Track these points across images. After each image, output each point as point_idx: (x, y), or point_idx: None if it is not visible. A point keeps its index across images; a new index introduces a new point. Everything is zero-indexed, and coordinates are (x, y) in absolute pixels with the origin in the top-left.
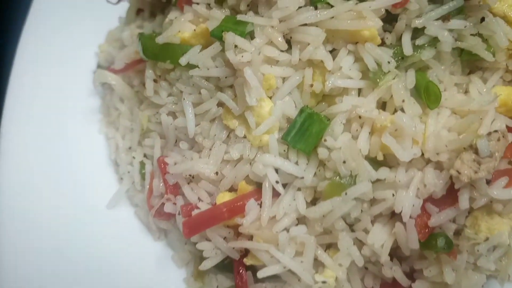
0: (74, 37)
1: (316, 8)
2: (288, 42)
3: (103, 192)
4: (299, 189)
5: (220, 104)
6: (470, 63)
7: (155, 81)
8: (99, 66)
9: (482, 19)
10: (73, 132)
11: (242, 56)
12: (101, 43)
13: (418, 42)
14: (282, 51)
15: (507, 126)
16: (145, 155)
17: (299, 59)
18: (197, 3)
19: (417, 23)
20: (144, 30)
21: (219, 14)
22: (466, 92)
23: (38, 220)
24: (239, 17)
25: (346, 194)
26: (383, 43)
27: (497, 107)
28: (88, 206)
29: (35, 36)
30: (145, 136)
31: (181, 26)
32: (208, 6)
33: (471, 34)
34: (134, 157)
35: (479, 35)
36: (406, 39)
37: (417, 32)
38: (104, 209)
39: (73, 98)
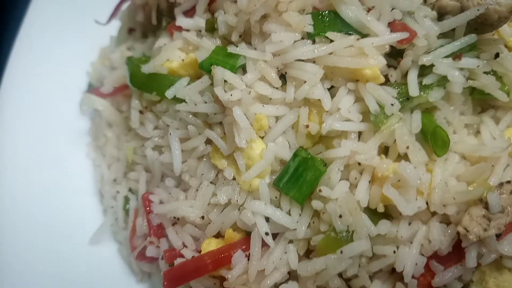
0: (67, 55)
1: (314, 42)
2: (283, 76)
3: (87, 223)
4: (291, 241)
5: (209, 141)
6: (482, 101)
7: (141, 112)
8: (90, 86)
9: (497, 55)
10: (60, 156)
11: (231, 95)
12: (93, 61)
13: (426, 81)
14: (276, 87)
15: None
16: (130, 189)
17: (294, 97)
18: (188, 30)
19: (425, 60)
20: (134, 52)
21: (209, 44)
22: (477, 132)
23: (16, 252)
24: (230, 49)
25: (341, 252)
26: (387, 81)
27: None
28: (70, 240)
29: (26, 54)
30: (131, 168)
31: (169, 55)
32: (199, 33)
33: (484, 72)
34: (118, 192)
35: (493, 72)
36: (412, 78)
37: (424, 69)
38: (87, 244)
39: (63, 119)
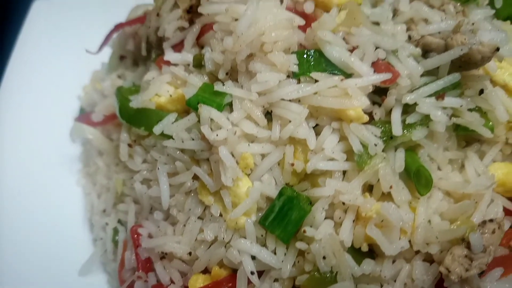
0: (59, 78)
1: (299, 81)
2: (269, 113)
3: (77, 252)
4: (276, 280)
5: (196, 177)
6: (467, 135)
7: (130, 145)
8: (81, 110)
9: (481, 91)
10: (51, 182)
11: (217, 135)
12: (85, 84)
13: (409, 120)
14: (261, 126)
15: (505, 209)
16: (119, 220)
17: (280, 136)
18: (176, 64)
19: (408, 99)
20: (125, 81)
21: (196, 81)
22: (462, 167)
23: (3, 281)
24: (217, 87)
25: None
26: (371, 118)
27: (494, 187)
28: (59, 270)
29: (18, 77)
30: (120, 199)
31: (157, 89)
32: (187, 67)
33: (469, 109)
34: (107, 223)
35: (477, 108)
36: (396, 117)
37: (408, 107)
38: (76, 274)
39: (54, 144)
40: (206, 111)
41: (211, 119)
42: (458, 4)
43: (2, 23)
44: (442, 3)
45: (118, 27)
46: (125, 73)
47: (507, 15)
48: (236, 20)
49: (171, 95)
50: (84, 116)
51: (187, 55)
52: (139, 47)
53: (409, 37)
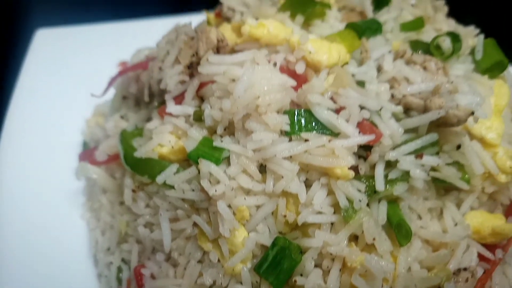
0: (62, 109)
1: (290, 139)
2: (264, 167)
3: (81, 285)
4: None
5: (196, 224)
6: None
7: (133, 191)
8: (85, 144)
9: (459, 146)
10: (55, 215)
11: (216, 190)
12: (88, 118)
13: (391, 176)
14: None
15: (479, 255)
16: (123, 259)
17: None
18: (177, 116)
19: (390, 156)
20: (128, 123)
21: (196, 135)
22: (441, 214)
23: None
24: (215, 143)
25: None
26: (357, 172)
27: (470, 235)
28: None
29: (22, 110)
30: (124, 239)
31: (160, 140)
32: (188, 118)
33: (447, 163)
34: (112, 262)
35: (454, 162)
36: (379, 173)
37: (391, 162)
38: None
39: (58, 177)
40: (206, 166)
41: (210, 173)
42: (439, 61)
43: (5, 52)
44: (424, 60)
45: (121, 72)
46: (127, 114)
47: (487, 66)
48: (233, 80)
49: (172, 146)
50: (87, 153)
51: (188, 108)
52: (141, 92)
53: (392, 95)
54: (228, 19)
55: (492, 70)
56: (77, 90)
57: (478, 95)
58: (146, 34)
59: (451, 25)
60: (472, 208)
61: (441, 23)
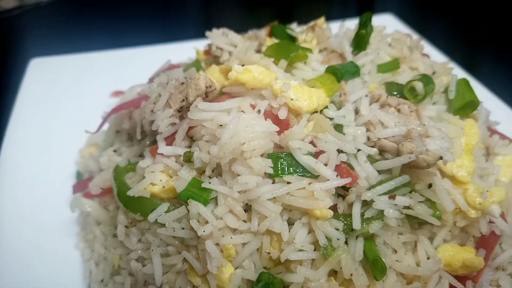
0: (56, 137)
1: (274, 181)
2: (250, 206)
3: None
4: None
5: (186, 259)
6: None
7: (126, 226)
8: (78, 175)
9: (430, 185)
10: (48, 245)
11: (204, 231)
12: (82, 148)
13: (367, 214)
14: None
15: (451, 286)
16: None
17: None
18: (168, 157)
19: (366, 196)
20: (121, 158)
21: (186, 176)
22: (415, 246)
23: None
24: (204, 184)
25: None
26: (335, 210)
27: (442, 268)
28: None
29: (16, 142)
30: (117, 271)
31: (152, 179)
32: (179, 157)
33: (419, 201)
34: None
35: (426, 199)
36: (356, 212)
37: (367, 201)
38: None
39: (52, 207)
40: (195, 207)
41: (199, 214)
42: (412, 104)
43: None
44: (398, 103)
45: (115, 110)
46: (121, 148)
47: (459, 106)
48: (221, 126)
49: (164, 186)
50: (81, 184)
51: (178, 149)
52: (134, 129)
53: (368, 138)
54: (216, 58)
55: (464, 109)
56: (71, 118)
57: (447, 140)
58: (138, 62)
59: (426, 63)
60: (445, 241)
61: (417, 62)
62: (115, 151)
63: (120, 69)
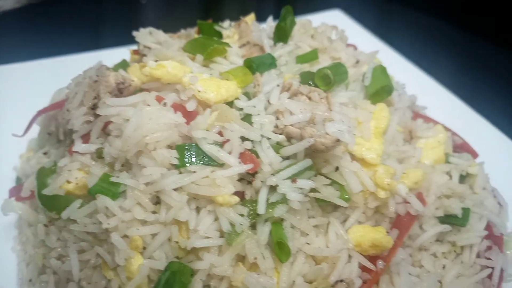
0: None
1: (180, 171)
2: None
3: None
4: None
5: (99, 254)
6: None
7: (45, 225)
8: (18, 179)
9: (337, 168)
10: None
11: (109, 224)
12: (22, 153)
13: (272, 199)
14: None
15: (362, 266)
16: None
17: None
18: (84, 154)
19: (271, 181)
20: (48, 159)
21: (97, 171)
22: (327, 230)
23: None
24: (113, 178)
25: None
26: (243, 198)
27: (352, 248)
28: None
29: None
30: (43, 270)
31: (67, 177)
32: (94, 155)
33: (325, 184)
34: None
35: (333, 182)
36: (262, 197)
37: (273, 187)
38: None
39: None
40: (102, 201)
41: (107, 207)
42: (322, 91)
43: None
44: (309, 91)
45: (40, 112)
46: (50, 150)
47: (374, 91)
48: (127, 120)
49: (77, 183)
50: (17, 188)
51: (92, 146)
52: (58, 130)
53: (276, 126)
54: (144, 56)
55: (379, 94)
56: (11, 125)
57: (347, 124)
58: (71, 69)
59: (348, 53)
60: (360, 222)
61: (339, 52)
62: (45, 153)
63: (60, 76)
